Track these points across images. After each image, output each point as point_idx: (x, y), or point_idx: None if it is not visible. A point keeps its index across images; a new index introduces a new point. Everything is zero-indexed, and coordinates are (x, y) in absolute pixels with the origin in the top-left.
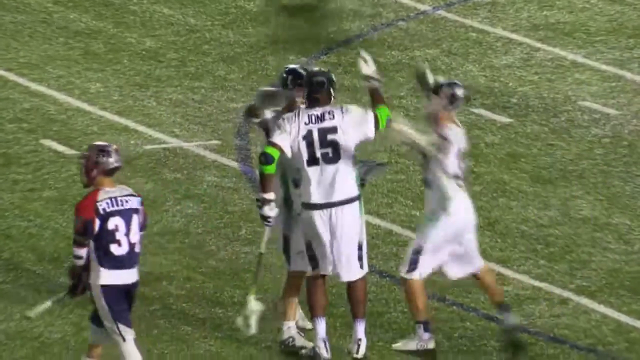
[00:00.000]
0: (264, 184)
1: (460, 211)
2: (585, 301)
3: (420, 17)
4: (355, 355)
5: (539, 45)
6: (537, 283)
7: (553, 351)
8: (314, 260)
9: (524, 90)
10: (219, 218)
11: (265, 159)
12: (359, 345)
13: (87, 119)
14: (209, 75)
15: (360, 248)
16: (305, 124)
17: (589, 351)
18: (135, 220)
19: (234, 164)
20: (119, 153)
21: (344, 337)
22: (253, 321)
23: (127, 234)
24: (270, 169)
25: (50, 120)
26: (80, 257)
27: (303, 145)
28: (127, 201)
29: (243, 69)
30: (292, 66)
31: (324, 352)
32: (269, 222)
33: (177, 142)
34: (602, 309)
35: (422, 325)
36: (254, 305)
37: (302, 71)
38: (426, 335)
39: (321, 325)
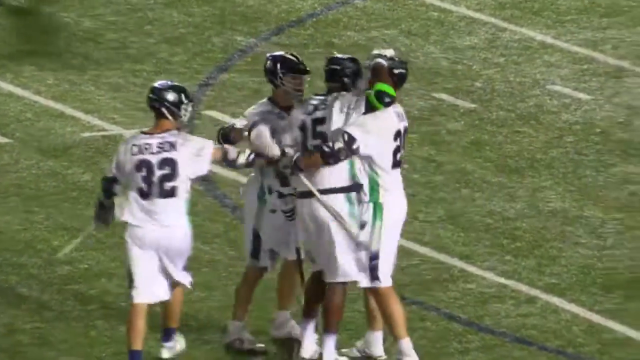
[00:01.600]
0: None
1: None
2: (554, 300)
3: None
4: None
5: (505, 25)
6: (502, 280)
7: (520, 353)
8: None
9: (489, 73)
10: None
11: None
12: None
13: (20, 104)
14: (152, 57)
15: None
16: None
17: (559, 353)
18: None
19: None
20: None
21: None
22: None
23: None
24: None
25: None
26: None
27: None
28: None
29: (188, 50)
30: (277, 53)
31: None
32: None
33: (117, 129)
34: (572, 308)
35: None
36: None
37: (291, 57)
38: None
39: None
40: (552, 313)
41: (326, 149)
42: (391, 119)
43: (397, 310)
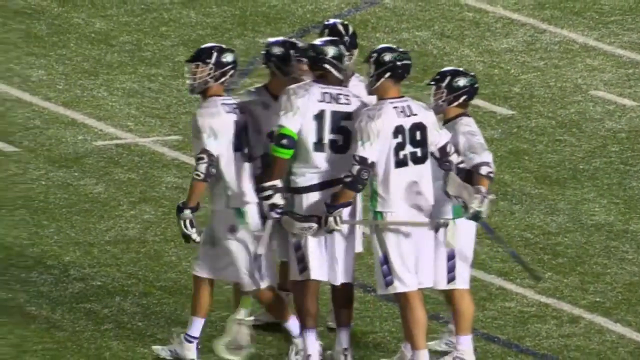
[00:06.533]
0: (276, 170)
1: None
2: (599, 319)
3: None
4: None
5: (544, 26)
6: (543, 299)
7: None
8: (302, 262)
9: (528, 78)
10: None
11: (288, 141)
12: (345, 356)
13: (29, 111)
14: (168, 60)
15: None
16: (319, 101)
17: None
18: None
19: None
20: None
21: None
22: (244, 341)
23: None
24: (288, 153)
25: None
26: None
27: (313, 126)
28: None
29: None
30: (280, 38)
31: None
32: (278, 211)
33: (131, 137)
34: (618, 328)
35: None
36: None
37: (300, 43)
38: None
39: (312, 338)
40: (597, 334)
41: (348, 179)
42: (386, 115)
43: (418, 318)
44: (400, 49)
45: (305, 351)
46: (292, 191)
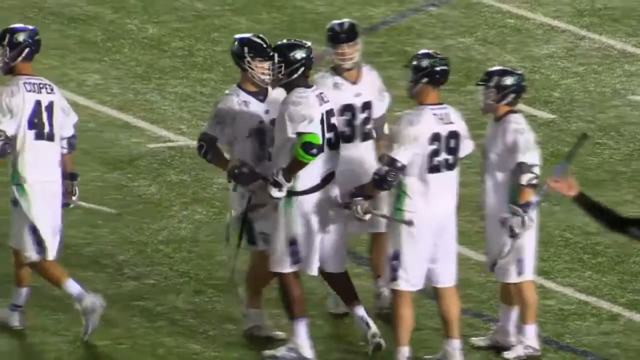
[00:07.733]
0: (296, 172)
1: None
2: (637, 317)
3: (453, 1)
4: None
5: (584, 33)
6: (583, 297)
7: None
8: (296, 255)
9: (568, 83)
10: None
11: (317, 150)
12: (367, 323)
13: (84, 114)
14: (219, 66)
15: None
16: (319, 105)
17: None
18: None
19: None
20: None
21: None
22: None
23: None
24: (313, 159)
25: None
26: None
27: (319, 130)
28: None
29: None
30: (246, 35)
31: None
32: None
33: (183, 140)
34: None
35: None
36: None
37: (259, 40)
38: None
39: (302, 327)
40: (637, 331)
41: (375, 177)
42: (425, 122)
43: (406, 315)
44: (439, 55)
45: (296, 342)
46: (295, 194)
